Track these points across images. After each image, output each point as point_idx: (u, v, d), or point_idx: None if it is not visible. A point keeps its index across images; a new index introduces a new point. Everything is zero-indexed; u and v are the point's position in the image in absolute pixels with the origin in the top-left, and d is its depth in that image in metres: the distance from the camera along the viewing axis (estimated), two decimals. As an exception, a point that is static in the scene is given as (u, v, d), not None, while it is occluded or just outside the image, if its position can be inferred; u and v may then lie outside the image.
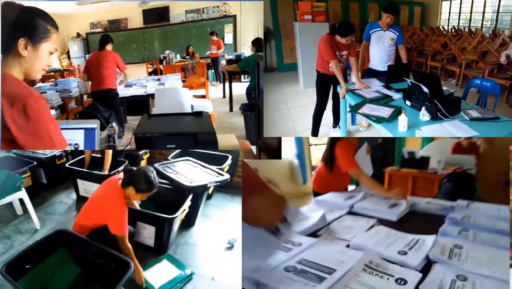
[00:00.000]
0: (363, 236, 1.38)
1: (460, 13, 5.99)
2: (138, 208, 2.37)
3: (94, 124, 2.05)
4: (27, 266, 1.67)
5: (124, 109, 5.43)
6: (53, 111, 3.68)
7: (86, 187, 2.93)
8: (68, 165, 2.99)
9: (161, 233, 2.27)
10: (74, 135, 2.03)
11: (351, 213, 1.77)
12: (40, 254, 1.74)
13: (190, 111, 2.55)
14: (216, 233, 2.54)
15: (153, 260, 2.18)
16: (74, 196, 3.05)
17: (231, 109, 5.87)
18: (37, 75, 1.29)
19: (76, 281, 1.75)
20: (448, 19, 6.11)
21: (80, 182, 2.95)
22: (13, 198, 2.47)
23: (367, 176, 2.09)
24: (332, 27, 2.99)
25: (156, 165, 2.77)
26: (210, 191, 2.77)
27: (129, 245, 1.92)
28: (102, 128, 2.28)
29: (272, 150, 1.41)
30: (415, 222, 1.65)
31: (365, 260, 1.11)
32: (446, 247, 1.25)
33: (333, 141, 2.19)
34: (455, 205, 1.82)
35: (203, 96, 5.31)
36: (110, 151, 2.97)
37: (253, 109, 4.19)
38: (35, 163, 2.93)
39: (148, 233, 2.31)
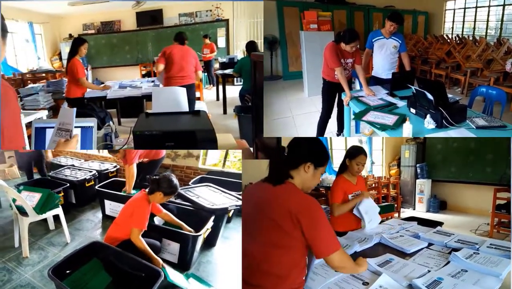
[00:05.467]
0: None
1: (464, 21, 6.00)
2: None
3: (91, 123, 2.04)
4: (67, 271, 1.85)
5: (118, 110, 5.48)
6: (45, 112, 3.67)
7: (113, 207, 3.15)
8: (98, 187, 3.27)
9: (185, 249, 2.36)
10: None
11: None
12: (77, 262, 1.91)
13: (187, 110, 2.54)
14: (237, 254, 2.62)
15: (180, 277, 2.29)
16: (100, 215, 3.32)
17: (224, 112, 5.90)
18: None
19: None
20: (452, 27, 6.12)
21: (107, 202, 3.20)
22: (51, 213, 2.70)
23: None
24: (337, 35, 3.02)
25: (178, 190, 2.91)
26: (230, 214, 2.87)
27: (142, 241, 2.05)
28: (98, 128, 2.28)
29: (270, 149, 1.37)
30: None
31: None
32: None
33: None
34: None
35: (198, 99, 5.36)
36: (134, 172, 3.13)
37: (247, 111, 4.23)
38: (68, 184, 3.28)
39: (172, 250, 2.41)
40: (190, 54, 4.18)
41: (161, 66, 4.00)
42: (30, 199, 2.57)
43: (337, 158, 5.75)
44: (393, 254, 1.74)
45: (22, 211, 2.52)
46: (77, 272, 1.87)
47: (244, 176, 3.23)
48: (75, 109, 1.51)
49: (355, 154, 2.23)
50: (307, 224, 1.23)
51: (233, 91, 6.38)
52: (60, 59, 9.26)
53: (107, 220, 3.17)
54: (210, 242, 2.71)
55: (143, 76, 8.53)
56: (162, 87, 4.44)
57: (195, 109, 2.65)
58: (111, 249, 2.04)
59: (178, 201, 2.81)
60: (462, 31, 5.97)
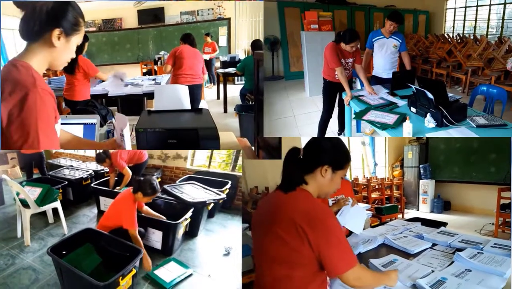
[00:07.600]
0: None
1: (465, 20, 6.00)
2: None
3: (94, 119, 2.09)
4: (63, 252, 2.10)
5: (118, 108, 5.51)
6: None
7: (107, 203, 3.30)
8: (94, 185, 3.50)
9: (167, 236, 2.60)
10: (73, 131, 2.02)
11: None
12: (72, 245, 2.18)
13: (189, 108, 2.56)
14: (216, 243, 2.86)
15: (162, 260, 2.51)
16: (95, 210, 3.51)
17: (225, 111, 5.92)
18: (61, 66, 1.26)
19: (97, 268, 2.16)
20: (453, 26, 6.12)
21: (102, 199, 3.40)
22: (50, 206, 2.92)
23: None
24: (337, 35, 3.03)
25: (165, 186, 3.15)
26: (209, 207, 3.06)
27: (139, 238, 2.34)
28: (100, 125, 2.34)
29: (272, 148, 1.33)
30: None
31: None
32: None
33: None
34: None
35: (198, 97, 5.37)
36: (130, 173, 3.37)
37: (248, 110, 4.28)
38: (66, 182, 3.50)
39: (156, 237, 2.65)
40: (200, 56, 4.32)
41: (169, 67, 4.12)
42: (32, 192, 2.80)
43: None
44: (397, 254, 1.74)
45: (25, 204, 2.75)
46: (72, 253, 2.12)
47: (245, 175, 3.26)
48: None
49: None
50: (315, 237, 1.07)
51: (234, 90, 6.41)
52: (61, 55, 9.28)
53: (102, 215, 3.29)
54: (192, 233, 2.92)
55: (144, 74, 8.54)
56: (164, 85, 4.48)
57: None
58: (102, 234, 2.31)
59: (164, 196, 3.07)
60: (463, 30, 5.97)
